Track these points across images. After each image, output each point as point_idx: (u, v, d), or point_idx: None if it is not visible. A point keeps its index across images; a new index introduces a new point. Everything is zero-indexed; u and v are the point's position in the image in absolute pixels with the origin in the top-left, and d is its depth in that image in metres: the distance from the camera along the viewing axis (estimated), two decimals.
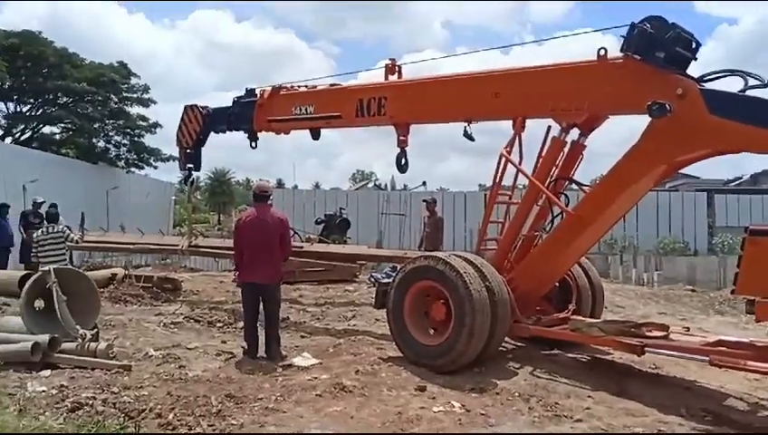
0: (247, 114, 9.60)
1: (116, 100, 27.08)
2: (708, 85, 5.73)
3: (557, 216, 6.81)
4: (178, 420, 4.83)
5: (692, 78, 5.76)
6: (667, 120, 5.54)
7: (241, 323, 8.01)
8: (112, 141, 28.38)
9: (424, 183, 28.10)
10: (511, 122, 6.88)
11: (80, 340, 6.48)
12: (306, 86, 9.18)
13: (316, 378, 6.04)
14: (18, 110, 26.41)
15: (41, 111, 26.46)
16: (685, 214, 25.27)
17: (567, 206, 6.69)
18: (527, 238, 6.99)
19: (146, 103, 27.66)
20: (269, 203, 7.27)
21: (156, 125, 28.22)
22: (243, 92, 9.94)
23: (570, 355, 6.88)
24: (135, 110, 27.82)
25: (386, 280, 8.10)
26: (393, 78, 8.13)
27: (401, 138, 8.03)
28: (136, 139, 28.31)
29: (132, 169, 28.96)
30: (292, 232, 8.02)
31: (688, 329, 6.77)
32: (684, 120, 5.53)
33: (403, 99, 7.81)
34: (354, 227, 19.81)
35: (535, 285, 6.77)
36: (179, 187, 12.98)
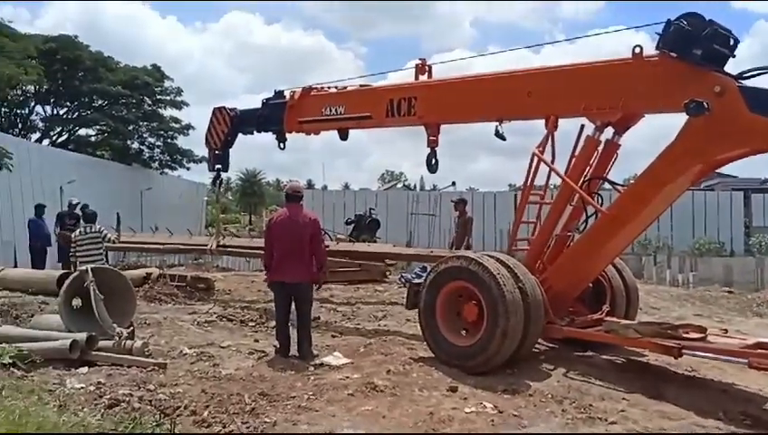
0: (276, 115, 9.68)
1: (150, 102, 27.56)
2: (747, 83, 5.60)
3: (591, 216, 6.72)
4: (213, 418, 4.89)
5: (730, 75, 5.64)
6: (705, 118, 5.43)
7: (272, 323, 8.08)
8: (146, 143, 28.91)
9: (453, 183, 28.04)
10: (542, 121, 6.81)
11: (116, 338, 6.61)
12: (336, 87, 9.22)
13: (347, 377, 6.06)
14: (55, 112, 27.05)
15: (77, 113, 27.05)
16: (721, 214, 24.72)
17: (601, 206, 6.59)
18: (560, 238, 6.91)
19: (179, 106, 28.10)
20: (300, 203, 7.31)
21: (188, 127, 28.65)
22: (272, 94, 10.04)
23: (604, 357, 6.79)
24: (168, 112, 28.32)
25: (417, 280, 8.10)
26: (423, 78, 8.12)
27: (431, 138, 8.02)
28: (169, 140, 28.78)
29: (165, 171, 29.47)
30: (322, 232, 8.05)
31: (726, 331, 6.62)
32: (722, 118, 5.41)
33: (433, 99, 7.79)
34: (383, 228, 19.79)
35: (569, 285, 6.69)
36: (211, 187, 13.13)
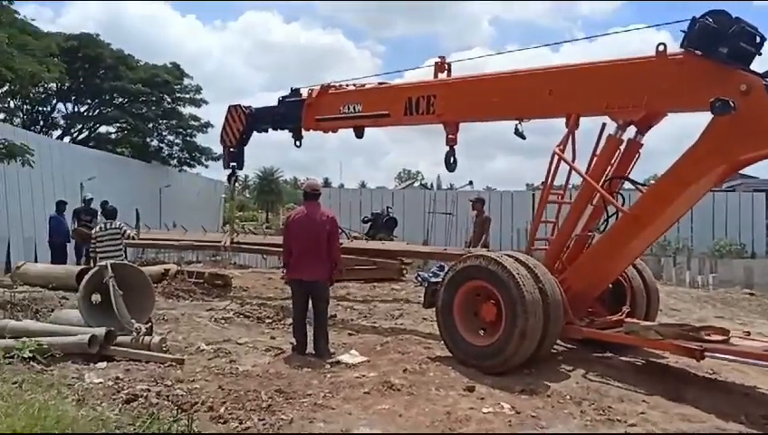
0: (293, 113, 9.68)
1: (169, 100, 27.77)
2: None
3: (612, 216, 6.64)
4: (229, 414, 4.90)
5: (756, 73, 5.54)
6: (731, 117, 5.33)
7: (289, 320, 8.10)
8: (165, 141, 29.16)
9: (470, 182, 27.96)
10: (561, 120, 6.74)
11: (134, 333, 6.66)
12: (354, 85, 9.20)
13: (364, 376, 6.04)
14: (76, 110, 27.37)
15: (97, 111, 27.33)
16: (742, 215, 24.37)
17: (623, 206, 6.51)
18: (580, 238, 6.83)
19: (198, 103, 28.30)
20: (318, 201, 7.31)
21: (207, 125, 28.83)
22: (288, 92, 10.04)
23: (623, 358, 6.70)
24: (187, 110, 28.51)
25: (435, 279, 8.06)
26: (442, 76, 8.08)
27: (450, 136, 7.97)
28: (188, 138, 29.00)
29: (184, 168, 29.67)
30: (339, 231, 8.05)
31: (749, 333, 6.50)
32: (748, 117, 5.31)
33: (453, 97, 7.73)
34: (400, 226, 19.77)
35: (589, 286, 6.61)
36: (227, 185, 13.22)
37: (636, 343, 6.39)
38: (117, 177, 20.64)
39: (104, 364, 6.14)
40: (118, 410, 4.78)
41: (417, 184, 40.46)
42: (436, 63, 8.12)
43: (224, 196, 29.96)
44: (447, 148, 8.02)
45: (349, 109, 8.88)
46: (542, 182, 7.06)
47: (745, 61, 5.62)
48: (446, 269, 6.99)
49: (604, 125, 6.67)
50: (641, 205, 6.25)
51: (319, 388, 5.66)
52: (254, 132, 10.75)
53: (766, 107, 5.26)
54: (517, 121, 7.17)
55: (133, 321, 6.86)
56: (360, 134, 9.27)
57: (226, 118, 10.67)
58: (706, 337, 5.89)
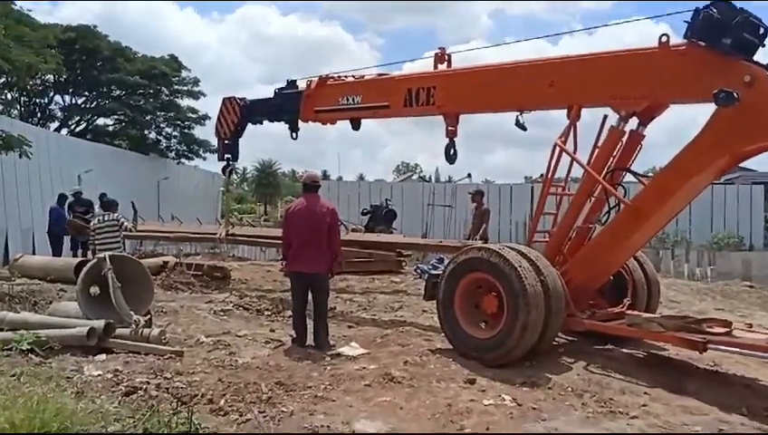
0: (290, 105, 9.63)
1: (167, 92, 27.66)
2: None
3: (613, 207, 6.61)
4: (230, 407, 4.88)
5: (760, 64, 5.49)
6: (734, 108, 5.30)
7: (289, 312, 8.08)
8: (163, 133, 29.05)
9: (469, 175, 27.76)
10: (560, 113, 6.71)
11: (134, 326, 6.62)
12: (354, 76, 9.14)
13: (364, 368, 6.03)
14: (73, 102, 27.23)
15: (95, 103, 27.23)
16: (740, 208, 24.37)
17: (624, 197, 6.48)
18: (581, 230, 6.80)
19: (195, 96, 28.18)
20: (318, 193, 7.27)
21: (205, 117, 28.71)
22: (285, 84, 9.99)
23: (624, 350, 6.69)
24: (185, 102, 28.43)
25: (435, 271, 8.03)
26: (442, 67, 8.02)
27: (450, 128, 7.92)
28: (186, 130, 28.89)
29: (182, 160, 29.57)
30: (339, 223, 8.02)
31: (751, 325, 6.50)
32: (751, 108, 5.27)
33: (453, 88, 7.68)
34: (399, 219, 19.74)
35: (590, 278, 6.59)
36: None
37: (638, 336, 6.38)
38: (115, 169, 20.57)
39: (103, 357, 6.12)
40: (117, 402, 4.75)
41: (415, 177, 40.36)
42: (437, 55, 8.06)
43: (222, 188, 29.92)
44: (447, 139, 7.97)
45: (348, 100, 8.82)
46: (541, 175, 7.04)
47: (749, 52, 5.57)
48: (448, 261, 6.95)
49: (605, 117, 6.64)
50: (643, 197, 6.21)
51: (319, 380, 5.64)
52: (249, 124, 10.71)
53: None
54: (518, 113, 7.13)
55: (132, 313, 6.82)
56: (356, 126, 9.23)
57: (221, 110, 10.65)
58: (709, 329, 5.88)
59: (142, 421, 4.25)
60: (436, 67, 8.04)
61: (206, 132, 30.05)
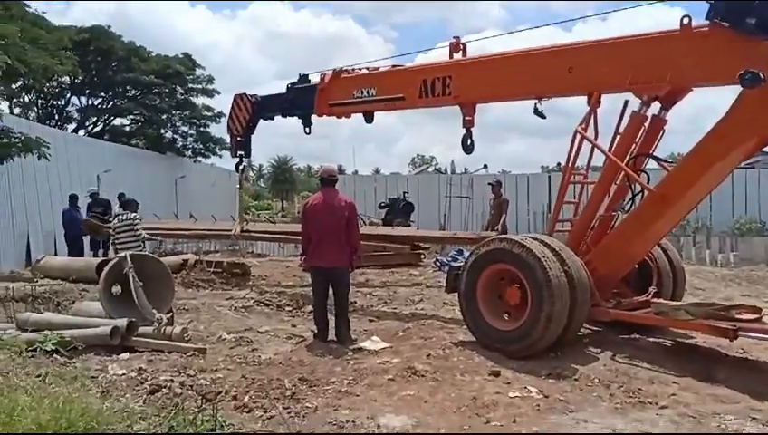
0: (303, 100, 9.59)
1: (182, 91, 27.69)
2: None
3: (637, 194, 6.50)
4: (254, 403, 4.86)
5: None
6: (760, 90, 5.17)
7: (309, 308, 8.07)
8: (179, 132, 29.07)
9: (485, 166, 27.42)
10: (576, 101, 6.62)
11: (156, 324, 6.63)
12: (367, 68, 9.08)
13: (387, 362, 5.99)
14: (90, 103, 27.41)
15: (111, 103, 27.35)
16: (762, 192, 23.90)
17: (648, 184, 6.36)
18: (604, 219, 6.69)
19: (210, 94, 28.19)
20: (336, 187, 7.22)
21: (220, 115, 28.67)
22: (297, 79, 9.96)
23: (651, 339, 6.60)
24: (200, 100, 28.40)
25: (456, 263, 7.96)
26: (458, 57, 7.93)
27: (467, 118, 7.85)
28: (201, 129, 28.92)
29: (199, 159, 29.66)
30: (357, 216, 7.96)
31: None
32: None
33: (470, 77, 7.60)
34: (416, 212, 19.68)
35: (615, 266, 6.49)
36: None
37: (666, 324, 6.28)
38: (132, 169, 20.69)
39: (127, 355, 6.13)
40: (142, 401, 4.76)
41: (431, 169, 40.14)
42: (451, 44, 7.97)
43: (238, 186, 30.01)
44: (464, 130, 7.91)
45: (362, 93, 8.76)
46: (559, 164, 6.95)
47: None
48: (469, 253, 6.87)
49: (627, 102, 6.55)
50: (668, 183, 6.09)
51: (342, 375, 5.62)
52: (261, 121, 10.72)
53: None
54: (536, 101, 7.04)
55: (154, 311, 6.83)
56: (369, 119, 9.18)
57: (232, 107, 10.67)
58: (738, 316, 5.76)
59: (167, 420, 4.24)
60: (451, 57, 7.95)
61: (221, 130, 30.08)
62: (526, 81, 6.97)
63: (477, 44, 7.99)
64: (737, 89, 5.42)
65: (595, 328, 6.98)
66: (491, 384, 5.36)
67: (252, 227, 13.17)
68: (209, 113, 28.44)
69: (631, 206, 6.56)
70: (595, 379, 5.46)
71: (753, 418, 4.67)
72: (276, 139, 73.04)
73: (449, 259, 12.43)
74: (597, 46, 6.45)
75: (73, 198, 14.45)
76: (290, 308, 8.89)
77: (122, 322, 6.44)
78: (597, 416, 4.72)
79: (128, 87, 26.47)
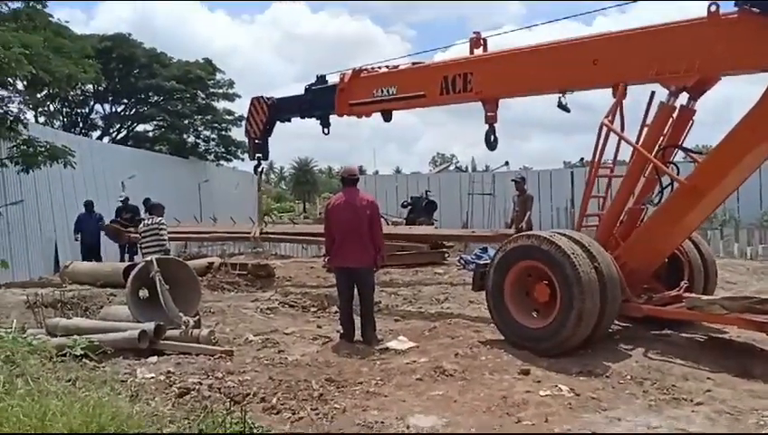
0: (322, 100, 9.59)
1: (203, 96, 27.91)
2: None
3: (666, 187, 6.37)
4: (282, 405, 4.85)
5: None
6: None
7: (334, 308, 8.05)
8: (201, 136, 29.31)
9: (506, 163, 27.22)
10: (597, 96, 6.49)
11: (183, 327, 6.65)
12: (387, 67, 9.04)
13: (414, 361, 5.94)
14: (113, 110, 27.75)
15: (134, 110, 27.67)
16: None
17: (677, 176, 6.22)
18: (633, 212, 6.57)
19: (231, 98, 28.37)
20: (357, 187, 7.19)
21: (241, 118, 28.79)
22: (315, 80, 9.96)
23: (683, 335, 6.46)
24: (221, 104, 28.62)
25: (480, 261, 7.88)
26: (478, 52, 7.85)
27: (489, 114, 7.78)
28: (223, 132, 29.13)
29: (221, 162, 29.88)
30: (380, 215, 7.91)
31: None
32: None
33: (492, 72, 7.52)
34: (438, 210, 19.62)
35: (645, 261, 6.37)
36: (265, 178, 13.37)
37: (700, 319, 6.14)
38: (156, 174, 20.86)
39: (155, 359, 6.16)
40: (171, 404, 4.77)
41: (452, 167, 39.92)
42: (472, 40, 7.90)
43: (262, 188, 30.18)
44: (487, 126, 7.84)
45: (383, 92, 8.71)
46: (582, 159, 6.86)
47: None
48: (495, 250, 6.79)
49: (653, 93, 6.41)
50: (698, 174, 5.96)
51: (370, 375, 5.59)
52: (288, 123, 10.75)
53: None
54: (560, 94, 6.94)
55: (181, 314, 6.86)
56: (388, 117, 9.15)
57: (249, 110, 10.74)
58: None
59: (197, 422, 4.23)
60: (471, 52, 7.89)
61: (242, 133, 30.18)
62: (550, 74, 6.88)
63: (497, 40, 7.86)
64: (765, 77, 5.29)
65: (625, 324, 6.86)
66: (521, 383, 5.28)
67: (271, 229, 13.27)
68: (230, 117, 28.64)
69: (661, 199, 6.42)
70: (627, 376, 5.36)
71: None
72: (297, 141, 73.54)
73: (473, 257, 12.36)
74: (622, 37, 6.34)
75: (88, 205, 14.51)
76: (315, 309, 8.88)
77: (150, 325, 6.47)
78: (630, 414, 4.62)
79: (150, 93, 26.76)
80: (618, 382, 5.24)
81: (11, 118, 13.06)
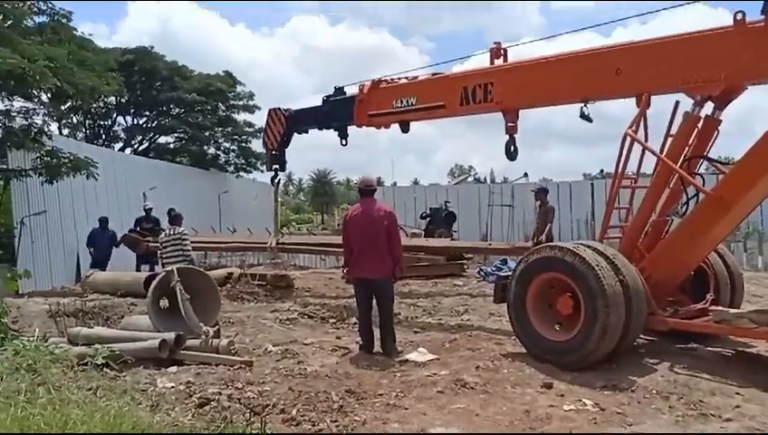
0: (341, 111, 9.62)
1: (224, 108, 28.16)
2: None
3: (692, 198, 6.26)
4: (302, 416, 4.80)
5: None
6: None
7: (353, 319, 8.01)
8: (221, 148, 29.56)
9: (526, 174, 27.05)
10: (618, 106, 6.42)
11: (203, 337, 6.65)
12: (406, 78, 9.04)
13: (435, 374, 5.87)
14: (135, 122, 28.09)
15: (156, 122, 27.97)
16: None
17: (703, 187, 6.12)
18: (658, 224, 6.46)
19: (251, 110, 28.58)
20: (374, 197, 7.16)
21: (261, 130, 28.92)
22: (333, 92, 10.01)
23: (710, 349, 6.34)
24: (241, 116, 28.85)
25: (500, 273, 7.80)
26: (499, 62, 7.82)
27: (510, 124, 7.74)
28: (243, 144, 29.35)
29: (241, 174, 30.09)
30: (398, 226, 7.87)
31: None
32: None
33: (512, 82, 7.48)
34: (457, 221, 19.54)
35: (670, 273, 6.25)
36: (283, 189, 13.46)
37: (728, 333, 6.02)
38: (177, 185, 21.05)
39: (175, 369, 6.16)
40: (191, 414, 4.76)
41: (470, 179, 39.81)
42: (492, 50, 7.88)
43: (280, 199, 30.28)
44: (507, 136, 7.80)
45: (402, 103, 8.72)
46: (601, 171, 6.77)
47: None
48: (517, 262, 6.71)
49: (677, 103, 6.34)
50: (725, 185, 5.85)
51: (390, 387, 5.53)
52: (307, 135, 10.88)
53: None
54: (582, 104, 6.88)
55: (201, 324, 6.86)
56: (406, 129, 9.16)
57: (267, 122, 10.84)
58: None
59: (217, 433, 4.22)
60: (492, 63, 7.86)
61: (262, 145, 30.43)
62: (572, 84, 6.82)
63: (516, 51, 7.84)
64: None
65: (649, 338, 6.74)
66: (544, 397, 5.20)
67: (287, 240, 13.31)
68: (250, 129, 28.85)
69: (686, 210, 6.31)
70: (653, 390, 5.25)
71: None
72: (315, 152, 73.98)
73: (493, 269, 12.26)
74: (645, 46, 6.27)
75: (103, 222, 14.59)
76: (334, 320, 8.85)
77: (170, 335, 6.48)
78: (657, 429, 4.54)
79: (171, 105, 27.05)
80: (643, 397, 5.14)
81: (35, 130, 13.30)
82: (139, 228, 14.58)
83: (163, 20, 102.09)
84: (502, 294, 6.67)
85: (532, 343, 6.19)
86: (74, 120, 25.77)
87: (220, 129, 28.45)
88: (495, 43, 7.92)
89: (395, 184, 43.50)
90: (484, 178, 44.39)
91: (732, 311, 6.18)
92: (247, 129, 28.90)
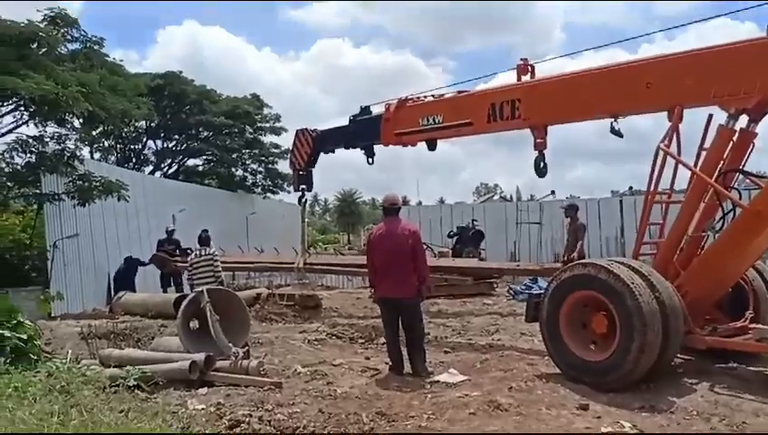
0: (367, 131, 9.66)
1: (251, 130, 28.46)
2: None
3: (728, 213, 6.10)
4: None
5: None
6: None
7: (382, 339, 7.93)
8: (249, 170, 29.84)
9: (552, 192, 26.80)
10: (645, 122, 6.32)
11: (233, 358, 6.64)
12: (432, 96, 9.04)
13: (467, 395, 5.76)
14: (165, 146, 28.54)
15: (185, 145, 28.38)
16: None
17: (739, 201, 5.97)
18: (694, 239, 6.30)
19: (278, 132, 28.85)
20: (399, 216, 7.11)
21: (287, 152, 29.13)
22: (359, 111, 10.07)
23: (751, 369, 6.12)
24: (268, 138, 29.10)
25: (531, 292, 7.69)
26: (526, 79, 7.77)
27: (538, 140, 7.68)
28: (270, 166, 29.61)
29: (268, 195, 30.31)
30: (425, 246, 7.79)
31: None
32: None
33: (540, 99, 7.42)
34: (484, 240, 19.37)
35: (708, 290, 6.08)
36: (310, 210, 13.56)
37: None
38: (206, 207, 21.26)
39: (205, 390, 6.15)
40: None
41: (496, 197, 39.55)
42: (519, 66, 7.83)
43: (307, 220, 30.39)
44: (536, 153, 7.72)
45: (429, 120, 8.72)
46: (630, 187, 6.65)
47: None
48: (550, 280, 6.58)
49: (710, 116, 6.21)
50: (763, 199, 5.68)
51: (421, 409, 5.43)
52: (331, 155, 10.92)
53: None
54: (612, 120, 6.79)
55: (231, 345, 6.85)
56: (432, 147, 9.17)
57: (294, 142, 10.96)
58: None
59: None
60: (519, 79, 7.81)
61: (288, 166, 30.64)
62: (601, 99, 6.74)
63: (541, 68, 7.77)
64: None
65: (687, 357, 6.54)
66: (580, 419, 5.06)
67: (314, 260, 13.36)
68: (277, 150, 29.08)
69: (723, 225, 6.16)
70: (693, 411, 5.09)
71: None
72: (341, 172, 74.27)
73: (523, 287, 12.12)
74: (676, 59, 6.19)
75: (128, 261, 14.86)
76: (362, 340, 8.80)
77: (200, 356, 6.48)
78: None
79: (200, 129, 27.42)
80: (683, 418, 4.98)
81: (68, 154, 13.58)
82: (162, 249, 14.79)
83: (192, 45, 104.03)
84: (533, 313, 6.55)
85: (566, 364, 6.05)
86: (106, 144, 26.30)
87: (247, 151, 28.73)
88: (522, 59, 7.87)
89: (420, 203, 43.47)
90: (510, 197, 44.15)
91: None
92: (274, 150, 29.13)
